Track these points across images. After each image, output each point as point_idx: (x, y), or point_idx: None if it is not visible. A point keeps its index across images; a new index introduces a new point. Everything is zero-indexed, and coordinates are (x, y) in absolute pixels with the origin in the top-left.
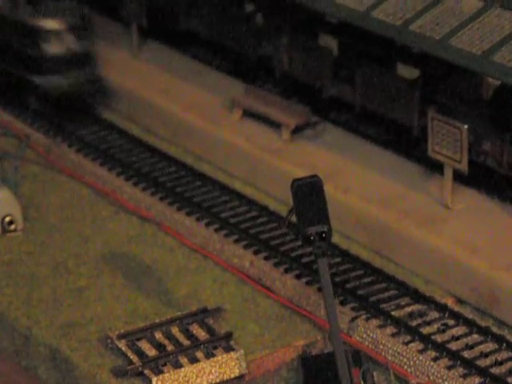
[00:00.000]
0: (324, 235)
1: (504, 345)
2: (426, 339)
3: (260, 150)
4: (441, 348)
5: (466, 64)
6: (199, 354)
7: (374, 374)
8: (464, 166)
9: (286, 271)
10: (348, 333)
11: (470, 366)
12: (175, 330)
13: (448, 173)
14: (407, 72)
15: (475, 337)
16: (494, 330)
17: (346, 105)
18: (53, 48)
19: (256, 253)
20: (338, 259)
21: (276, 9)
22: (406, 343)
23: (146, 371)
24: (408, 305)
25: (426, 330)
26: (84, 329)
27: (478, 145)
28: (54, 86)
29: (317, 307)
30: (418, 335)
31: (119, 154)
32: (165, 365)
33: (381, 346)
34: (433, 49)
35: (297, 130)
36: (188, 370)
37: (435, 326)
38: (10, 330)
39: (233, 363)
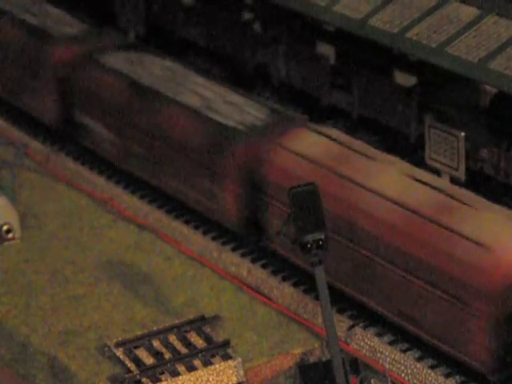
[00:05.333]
0: (321, 243)
1: None
2: (423, 347)
3: None
4: (438, 356)
5: (462, 71)
6: (197, 362)
7: (372, 381)
8: (461, 174)
9: (284, 279)
10: (346, 341)
11: (468, 375)
12: (173, 338)
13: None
14: (404, 79)
15: None
16: None
17: (344, 112)
18: None
19: (253, 261)
20: None
21: (274, 17)
22: (404, 351)
23: (144, 379)
24: None
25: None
26: (82, 337)
27: (475, 152)
28: None
29: (314, 315)
30: (416, 343)
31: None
32: (162, 373)
33: (378, 354)
34: (430, 56)
35: None
36: (185, 378)
37: None
38: (8, 338)
39: (230, 371)
